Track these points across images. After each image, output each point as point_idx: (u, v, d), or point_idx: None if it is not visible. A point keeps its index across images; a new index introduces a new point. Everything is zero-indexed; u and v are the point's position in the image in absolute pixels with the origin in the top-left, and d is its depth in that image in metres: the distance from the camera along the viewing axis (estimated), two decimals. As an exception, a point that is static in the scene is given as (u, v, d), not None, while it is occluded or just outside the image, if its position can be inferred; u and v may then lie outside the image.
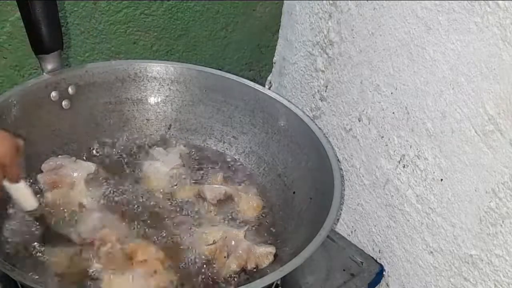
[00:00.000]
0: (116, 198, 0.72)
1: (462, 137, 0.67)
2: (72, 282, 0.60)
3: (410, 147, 0.75)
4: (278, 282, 0.71)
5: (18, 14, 0.68)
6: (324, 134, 0.74)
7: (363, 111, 0.83)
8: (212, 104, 0.83)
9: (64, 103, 0.75)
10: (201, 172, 0.79)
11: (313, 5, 0.90)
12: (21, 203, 0.63)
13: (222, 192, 0.74)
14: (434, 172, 0.72)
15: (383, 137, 0.80)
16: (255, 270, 0.65)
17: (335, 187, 0.65)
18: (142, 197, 0.73)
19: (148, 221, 0.70)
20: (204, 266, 0.65)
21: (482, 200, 0.66)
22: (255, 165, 0.82)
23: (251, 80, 0.82)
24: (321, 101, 0.92)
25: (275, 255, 0.66)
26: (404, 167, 0.77)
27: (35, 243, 0.63)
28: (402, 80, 0.74)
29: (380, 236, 0.84)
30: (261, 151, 0.81)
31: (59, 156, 0.74)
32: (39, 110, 0.72)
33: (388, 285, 0.85)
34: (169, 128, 0.84)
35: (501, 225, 0.64)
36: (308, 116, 0.78)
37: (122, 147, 0.81)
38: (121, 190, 0.74)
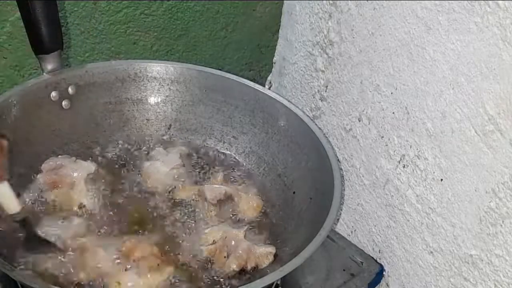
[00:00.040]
0: (116, 198, 0.72)
1: (462, 137, 0.67)
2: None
3: (410, 147, 0.75)
4: (278, 282, 0.71)
5: (18, 14, 0.68)
6: (324, 134, 0.74)
7: (363, 111, 0.83)
8: (212, 104, 0.83)
9: (64, 103, 0.75)
10: (201, 172, 0.79)
11: (313, 5, 0.90)
12: (3, 205, 0.61)
13: (222, 192, 0.74)
14: (434, 172, 0.72)
15: (383, 137, 0.80)
16: (255, 270, 0.65)
17: (335, 187, 0.65)
18: (142, 197, 0.73)
19: (148, 221, 0.70)
20: (204, 266, 0.65)
21: (482, 200, 0.66)
22: (255, 165, 0.82)
23: (251, 80, 0.82)
24: (321, 101, 0.92)
25: (275, 255, 0.66)
26: (404, 167, 0.77)
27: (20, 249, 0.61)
28: (402, 80, 0.74)
29: (380, 236, 0.84)
30: (261, 151, 0.81)
31: (59, 156, 0.74)
32: (39, 110, 0.72)
33: (388, 285, 0.85)
34: (169, 128, 0.84)
35: (501, 225, 0.64)
36: (308, 116, 0.78)
37: (122, 147, 0.81)
38: (121, 190, 0.74)
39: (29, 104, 0.71)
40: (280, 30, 1.02)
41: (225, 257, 0.65)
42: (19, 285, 0.62)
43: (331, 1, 0.85)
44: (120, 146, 0.81)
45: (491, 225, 0.65)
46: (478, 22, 0.62)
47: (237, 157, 0.83)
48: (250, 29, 0.99)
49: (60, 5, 0.75)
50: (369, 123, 0.82)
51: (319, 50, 0.90)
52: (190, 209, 0.73)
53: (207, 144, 0.84)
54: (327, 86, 0.90)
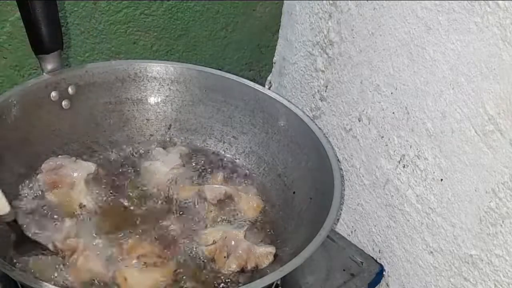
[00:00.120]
0: (116, 198, 0.72)
1: (462, 137, 0.67)
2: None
3: (410, 147, 0.75)
4: (278, 282, 0.71)
5: (18, 14, 0.68)
6: (324, 134, 0.74)
7: (363, 111, 0.83)
8: (212, 104, 0.83)
9: (64, 103, 0.75)
10: (201, 172, 0.79)
11: (313, 5, 0.90)
12: None
13: (222, 192, 0.74)
14: (434, 172, 0.72)
15: (383, 137, 0.80)
16: (255, 270, 0.65)
17: (335, 187, 0.65)
18: (142, 197, 0.73)
19: (148, 221, 0.70)
20: (204, 266, 0.65)
21: (482, 200, 0.66)
22: (255, 165, 0.82)
23: (251, 80, 0.82)
24: (321, 101, 0.92)
25: (275, 255, 0.66)
26: (404, 167, 0.77)
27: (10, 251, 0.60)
28: (402, 80, 0.74)
29: (380, 236, 0.84)
30: (261, 151, 0.81)
31: (59, 156, 0.74)
32: (39, 110, 0.72)
33: (388, 285, 0.85)
34: (169, 128, 0.84)
35: (501, 225, 0.64)
36: (308, 116, 0.78)
37: (122, 147, 0.81)
38: (121, 190, 0.74)
39: (29, 104, 0.71)
40: (280, 30, 1.02)
41: (225, 257, 0.65)
42: (19, 285, 0.62)
43: (331, 1, 0.85)
44: (120, 146, 0.81)
45: (491, 225, 0.65)
46: (478, 22, 0.62)
47: (237, 157, 0.83)
48: (250, 29, 0.99)
49: (60, 5, 0.75)
50: (369, 123, 0.82)
51: (319, 50, 0.90)
52: (190, 209, 0.73)
53: (207, 144, 0.84)
54: (327, 86, 0.90)
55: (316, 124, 0.76)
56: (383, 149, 0.80)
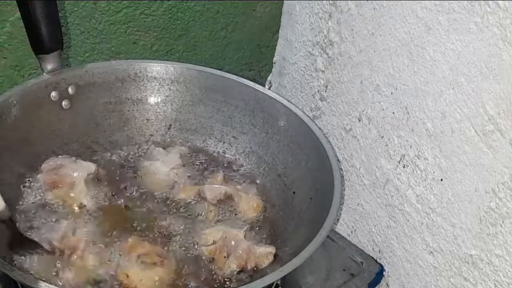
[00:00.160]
0: (116, 198, 0.72)
1: (462, 137, 0.67)
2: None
3: (410, 147, 0.75)
4: (278, 282, 0.71)
5: (18, 14, 0.68)
6: (324, 134, 0.74)
7: (363, 111, 0.83)
8: (212, 104, 0.83)
9: (64, 103, 0.75)
10: (201, 172, 0.79)
11: (313, 5, 0.90)
12: None
13: (222, 192, 0.74)
14: (434, 172, 0.72)
15: (383, 137, 0.80)
16: (255, 270, 0.65)
17: (335, 187, 0.65)
18: (142, 197, 0.73)
19: (148, 221, 0.70)
20: (204, 266, 0.65)
21: (482, 200, 0.66)
22: (255, 165, 0.82)
23: (251, 80, 0.82)
24: (321, 101, 0.92)
25: (275, 255, 0.66)
26: (404, 167, 0.77)
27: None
28: (402, 80, 0.74)
29: (380, 236, 0.84)
30: (261, 151, 0.81)
31: (59, 156, 0.74)
32: (39, 110, 0.72)
33: (388, 285, 0.85)
34: (169, 128, 0.84)
35: (501, 225, 0.64)
36: (308, 116, 0.78)
37: (122, 147, 0.81)
38: (121, 190, 0.74)
39: (29, 104, 0.71)
40: (280, 30, 1.02)
41: (225, 257, 0.65)
42: (19, 285, 0.62)
43: (331, 1, 0.85)
44: (120, 146, 0.81)
45: (491, 225, 0.65)
46: (478, 22, 0.62)
47: (237, 157, 0.83)
48: (250, 29, 0.99)
49: (60, 5, 0.75)
50: (369, 123, 0.82)
51: (319, 50, 0.90)
52: (190, 209, 0.73)
53: (207, 144, 0.84)
54: (327, 86, 0.90)
55: (316, 124, 0.76)
56: (383, 149, 0.80)
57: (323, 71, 0.91)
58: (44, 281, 0.51)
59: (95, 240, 0.65)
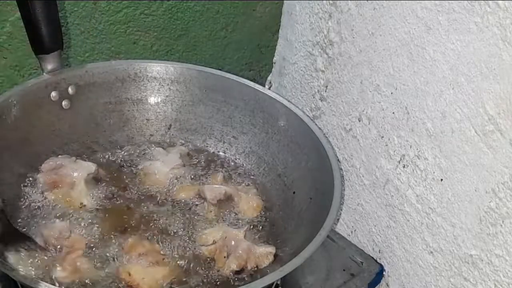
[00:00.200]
0: (116, 198, 0.72)
1: (462, 137, 0.67)
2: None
3: (410, 147, 0.75)
4: (278, 282, 0.71)
5: (18, 14, 0.68)
6: (324, 134, 0.74)
7: (363, 111, 0.83)
8: (212, 104, 0.83)
9: (64, 103, 0.75)
10: (201, 172, 0.79)
11: (313, 5, 0.90)
12: None
13: (222, 192, 0.74)
14: (434, 172, 0.72)
15: (383, 137, 0.80)
16: (255, 270, 0.65)
17: (335, 187, 0.65)
18: (142, 197, 0.73)
19: (148, 221, 0.70)
20: (204, 266, 0.65)
21: (482, 200, 0.66)
22: (255, 165, 0.82)
23: (251, 80, 0.82)
24: (321, 101, 0.92)
25: (275, 255, 0.66)
26: (404, 167, 0.77)
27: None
28: (402, 80, 0.74)
29: (380, 236, 0.84)
30: (261, 151, 0.81)
31: (59, 156, 0.74)
32: (39, 110, 0.72)
33: (388, 285, 0.85)
34: (169, 128, 0.84)
35: (501, 225, 0.64)
36: (308, 116, 0.78)
37: (122, 147, 0.81)
38: (121, 190, 0.74)
39: (29, 104, 0.71)
40: (280, 30, 1.02)
41: (225, 257, 0.65)
42: (19, 285, 0.62)
43: (331, 1, 0.85)
44: (120, 146, 0.81)
45: (491, 225, 0.65)
46: (478, 22, 0.62)
47: (237, 157, 0.83)
48: (250, 29, 0.99)
49: (60, 5, 0.75)
50: (369, 123, 0.82)
51: (319, 50, 0.90)
52: (190, 209, 0.73)
53: (207, 144, 0.84)
54: (327, 86, 0.90)
55: (316, 124, 0.76)
56: (383, 149, 0.80)
57: (323, 71, 0.91)
58: (44, 281, 0.51)
59: (95, 240, 0.65)
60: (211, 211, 0.73)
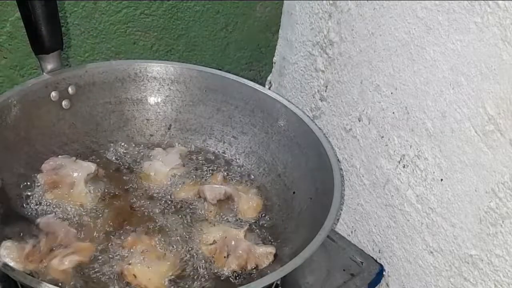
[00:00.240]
0: (116, 198, 0.72)
1: (462, 137, 0.67)
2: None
3: (410, 147, 0.75)
4: (278, 282, 0.71)
5: (18, 14, 0.69)
6: (324, 134, 0.74)
7: (363, 111, 0.83)
8: (212, 104, 0.83)
9: (64, 103, 0.75)
10: (201, 172, 0.79)
11: (313, 5, 0.90)
12: None
13: (222, 192, 0.74)
14: (434, 172, 0.72)
15: (383, 137, 0.80)
16: (255, 270, 0.65)
17: (335, 187, 0.65)
18: (141, 197, 0.73)
19: (148, 221, 0.70)
20: (204, 266, 0.65)
21: (482, 200, 0.66)
22: (255, 165, 0.82)
23: (251, 80, 0.82)
24: (321, 101, 0.92)
25: (275, 255, 0.66)
26: (404, 167, 0.77)
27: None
28: (402, 80, 0.74)
29: (380, 236, 0.84)
30: (261, 151, 0.81)
31: (59, 156, 0.74)
32: (39, 110, 0.72)
33: (388, 285, 0.85)
34: (169, 128, 0.84)
35: (501, 225, 0.64)
36: (308, 116, 0.78)
37: (122, 147, 0.81)
38: (121, 190, 0.74)
39: (29, 104, 0.71)
40: (280, 30, 1.02)
41: (225, 257, 0.65)
42: (19, 285, 0.62)
43: (331, 1, 0.85)
44: (120, 146, 0.81)
45: (491, 225, 0.65)
46: (478, 22, 0.62)
47: (237, 157, 0.83)
48: (250, 29, 0.99)
49: (60, 5, 0.75)
50: (369, 123, 0.82)
51: (319, 50, 0.90)
52: (190, 209, 0.73)
53: (207, 144, 0.84)
54: (327, 86, 0.90)
55: (316, 124, 0.76)
56: (383, 149, 0.80)
57: (323, 71, 0.91)
58: (44, 281, 0.51)
59: (95, 240, 0.65)
60: (211, 211, 0.73)
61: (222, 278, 0.64)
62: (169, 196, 0.74)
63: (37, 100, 0.72)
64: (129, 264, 0.62)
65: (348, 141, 0.87)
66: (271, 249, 0.67)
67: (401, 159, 0.77)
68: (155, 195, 0.74)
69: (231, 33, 0.97)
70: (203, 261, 0.66)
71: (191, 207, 0.73)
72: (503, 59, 0.60)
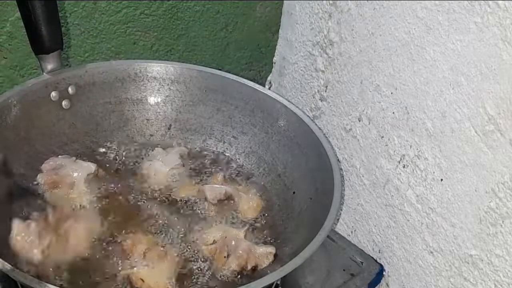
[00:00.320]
0: (116, 198, 0.72)
1: (462, 137, 0.67)
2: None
3: (410, 147, 0.75)
4: (278, 282, 0.71)
5: (18, 14, 0.68)
6: (324, 134, 0.74)
7: (363, 111, 0.83)
8: (212, 104, 0.83)
9: (64, 103, 0.75)
10: (201, 172, 0.79)
11: (313, 5, 0.90)
12: None
13: (222, 192, 0.74)
14: (434, 172, 0.72)
15: (383, 137, 0.80)
16: (255, 270, 0.65)
17: (335, 187, 0.65)
18: (142, 197, 0.73)
19: (148, 221, 0.70)
20: (204, 266, 0.65)
21: (482, 200, 0.66)
22: (255, 165, 0.82)
23: (251, 80, 0.82)
24: (321, 101, 0.92)
25: (275, 255, 0.66)
26: (404, 167, 0.77)
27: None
28: (402, 80, 0.75)
29: (380, 236, 0.84)
30: (261, 151, 0.81)
31: (59, 156, 0.74)
32: (39, 110, 0.72)
33: (388, 285, 0.85)
34: (169, 128, 0.84)
35: (501, 225, 0.64)
36: (308, 116, 0.78)
37: (122, 147, 0.81)
38: (121, 190, 0.74)
39: (29, 104, 0.71)
40: (280, 30, 1.02)
41: (225, 257, 0.65)
42: (19, 285, 0.62)
43: (331, 1, 0.85)
44: (120, 146, 0.81)
45: (491, 225, 0.65)
46: (478, 22, 0.62)
47: (237, 157, 0.83)
48: (250, 29, 0.99)
49: (60, 5, 0.75)
50: (369, 123, 0.82)
51: (319, 50, 0.90)
52: (190, 209, 0.73)
53: (207, 144, 0.84)
54: (327, 86, 0.90)
55: (316, 124, 0.76)
56: (383, 149, 0.80)
57: (323, 71, 0.91)
58: (44, 281, 0.51)
59: (95, 240, 0.65)
60: (211, 211, 0.73)
61: (222, 278, 0.64)
62: (169, 196, 0.74)
63: (37, 100, 0.72)
64: (135, 268, 0.62)
65: (348, 141, 0.87)
66: (271, 249, 0.67)
67: (401, 159, 0.77)
68: (155, 195, 0.74)
69: (231, 33, 0.97)
70: (203, 261, 0.66)
71: (191, 207, 0.73)
72: (503, 59, 0.60)
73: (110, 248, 0.65)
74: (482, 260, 0.68)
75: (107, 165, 0.77)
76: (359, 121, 0.84)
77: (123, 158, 0.79)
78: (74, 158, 0.74)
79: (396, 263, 0.82)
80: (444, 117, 0.69)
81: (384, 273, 0.85)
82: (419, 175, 0.75)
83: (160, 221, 0.70)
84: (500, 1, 0.59)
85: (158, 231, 0.68)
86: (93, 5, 0.79)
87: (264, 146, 0.81)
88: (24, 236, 0.60)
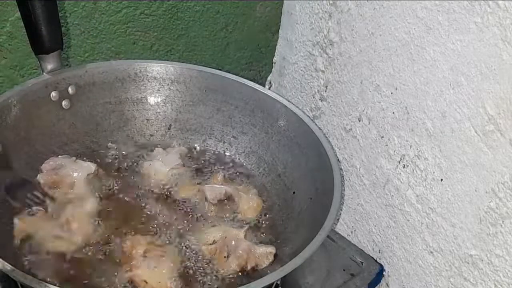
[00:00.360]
0: (115, 198, 0.72)
1: (462, 137, 0.67)
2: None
3: (410, 147, 0.75)
4: (278, 282, 0.71)
5: (18, 14, 0.69)
6: (324, 134, 0.74)
7: (363, 111, 0.83)
8: (212, 104, 0.83)
9: (64, 103, 0.75)
10: (201, 172, 0.79)
11: (313, 5, 0.90)
12: None
13: (222, 192, 0.74)
14: (434, 172, 0.72)
15: (383, 137, 0.80)
16: (255, 270, 0.65)
17: (335, 187, 0.65)
18: (142, 197, 0.73)
19: (148, 221, 0.70)
20: (204, 266, 0.65)
21: (482, 200, 0.66)
22: (255, 165, 0.82)
23: (251, 80, 0.82)
24: (321, 101, 0.92)
25: (275, 255, 0.66)
26: (404, 167, 0.77)
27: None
28: (402, 80, 0.75)
29: (380, 236, 0.84)
30: (261, 151, 0.81)
31: (59, 156, 0.74)
32: (39, 110, 0.72)
33: (388, 285, 0.85)
34: (169, 128, 0.84)
35: (501, 225, 0.64)
36: (308, 116, 0.78)
37: (122, 147, 0.81)
38: (121, 190, 0.74)
39: (29, 104, 0.71)
40: (280, 30, 1.02)
41: (225, 257, 0.65)
42: (19, 285, 0.62)
43: (331, 1, 0.85)
44: (120, 146, 0.81)
45: (491, 225, 0.65)
46: (478, 22, 0.62)
47: (237, 157, 0.83)
48: (250, 29, 0.99)
49: (60, 5, 0.75)
50: (369, 123, 0.82)
51: (319, 50, 0.90)
52: (190, 209, 0.73)
53: (207, 144, 0.84)
54: (327, 86, 0.90)
55: (316, 124, 0.76)
56: (383, 149, 0.80)
57: (323, 71, 0.91)
58: (44, 281, 0.51)
59: (95, 240, 0.65)
60: (211, 211, 0.73)
61: (222, 278, 0.64)
62: (169, 196, 0.74)
63: (37, 100, 0.72)
64: (136, 269, 0.62)
65: (348, 141, 0.87)
66: (271, 249, 0.67)
67: (401, 159, 0.77)
68: (155, 195, 0.74)
69: (231, 33, 0.97)
70: (203, 261, 0.66)
71: (191, 207, 0.73)
72: (503, 59, 0.60)
73: (110, 248, 0.65)
74: (482, 260, 0.68)
75: (107, 165, 0.77)
76: (359, 121, 0.84)
77: (123, 158, 0.79)
78: (74, 158, 0.74)
79: (396, 263, 0.82)
80: (444, 117, 0.69)
81: (384, 273, 0.85)
82: (419, 175, 0.75)
83: (160, 221, 0.70)
84: (500, 1, 0.59)
85: (158, 231, 0.68)
86: (93, 5, 0.79)
87: (264, 146, 0.81)
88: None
